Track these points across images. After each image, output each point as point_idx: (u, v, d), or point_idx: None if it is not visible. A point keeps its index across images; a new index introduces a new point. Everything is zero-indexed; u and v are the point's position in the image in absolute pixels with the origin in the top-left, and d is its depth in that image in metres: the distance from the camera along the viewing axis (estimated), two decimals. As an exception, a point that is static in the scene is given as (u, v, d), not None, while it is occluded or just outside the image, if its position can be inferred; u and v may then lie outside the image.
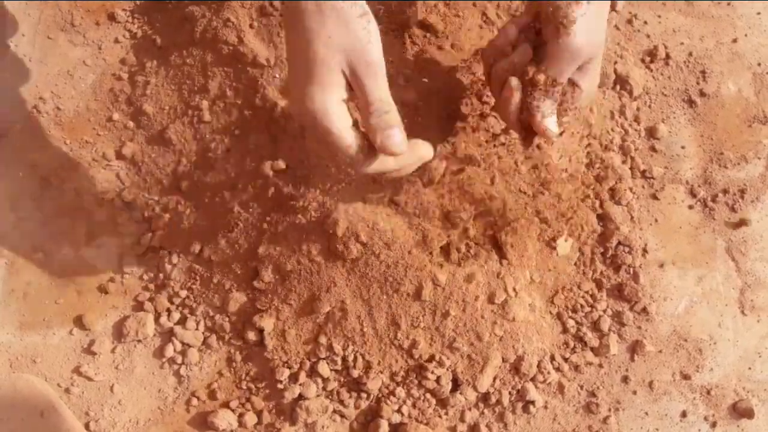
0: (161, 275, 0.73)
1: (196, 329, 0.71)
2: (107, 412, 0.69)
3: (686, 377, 0.73)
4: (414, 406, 0.69)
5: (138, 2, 0.82)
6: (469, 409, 0.70)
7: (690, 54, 0.82)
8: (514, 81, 0.58)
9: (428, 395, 0.69)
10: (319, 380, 0.69)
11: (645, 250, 0.76)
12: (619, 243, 0.74)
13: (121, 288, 0.73)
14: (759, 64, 0.83)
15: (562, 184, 0.71)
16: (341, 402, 0.69)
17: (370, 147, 0.53)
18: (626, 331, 0.74)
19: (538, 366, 0.70)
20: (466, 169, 0.68)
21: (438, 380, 0.68)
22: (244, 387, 0.70)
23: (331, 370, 0.68)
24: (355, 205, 0.66)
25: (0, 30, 0.80)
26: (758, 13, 0.85)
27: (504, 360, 0.69)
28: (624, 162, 0.78)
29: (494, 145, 0.69)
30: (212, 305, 0.71)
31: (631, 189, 0.76)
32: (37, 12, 0.81)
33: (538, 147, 0.68)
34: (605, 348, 0.72)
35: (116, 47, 0.81)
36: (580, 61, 0.58)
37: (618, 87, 0.79)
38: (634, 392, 0.72)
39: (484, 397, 0.70)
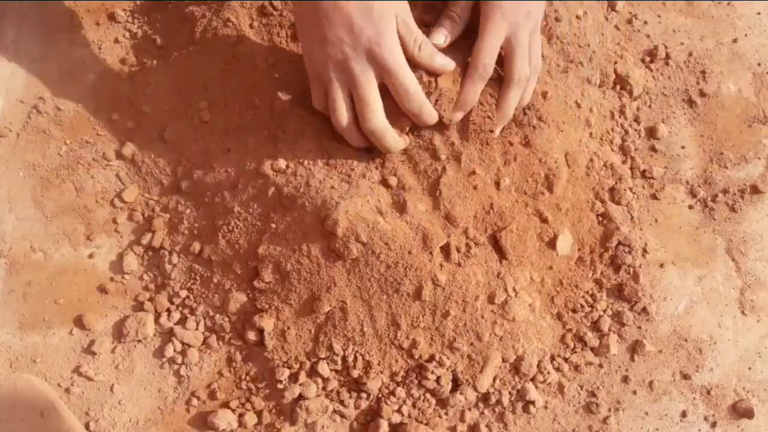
0: (161, 275, 0.73)
1: (196, 329, 0.71)
2: (107, 412, 0.69)
3: (686, 377, 0.73)
4: (414, 406, 0.69)
5: (138, 2, 0.82)
6: (469, 409, 0.70)
7: (690, 54, 0.82)
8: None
9: (428, 395, 0.69)
10: (319, 380, 0.69)
11: (645, 250, 0.76)
12: (619, 243, 0.74)
13: (121, 288, 0.73)
14: (759, 64, 0.83)
15: (562, 184, 0.71)
16: (341, 402, 0.69)
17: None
18: (626, 331, 0.74)
19: (538, 366, 0.70)
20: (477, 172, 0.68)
21: (438, 380, 0.68)
22: (244, 387, 0.70)
23: (331, 370, 0.68)
24: (355, 205, 0.66)
25: (0, 30, 0.79)
26: (758, 13, 0.85)
27: (504, 360, 0.69)
28: (624, 162, 0.78)
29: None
30: (212, 305, 0.71)
31: (631, 189, 0.76)
32: (37, 12, 0.81)
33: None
34: (605, 348, 0.72)
35: (116, 47, 0.81)
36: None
37: (618, 87, 0.80)
38: (634, 392, 0.72)
39: (484, 397, 0.70)
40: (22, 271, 0.73)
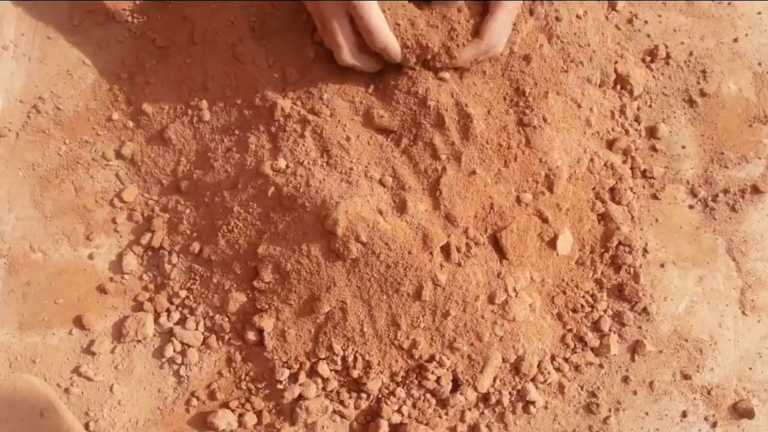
0: (161, 275, 0.73)
1: (196, 329, 0.71)
2: (107, 412, 0.69)
3: (687, 377, 0.73)
4: (414, 406, 0.69)
5: (138, 2, 0.82)
6: (469, 410, 0.70)
7: (690, 54, 0.82)
8: None
9: (428, 395, 0.69)
10: (319, 380, 0.69)
11: (645, 250, 0.76)
12: (620, 243, 0.74)
13: (121, 288, 0.73)
14: (759, 64, 0.83)
15: (562, 184, 0.71)
16: (341, 402, 0.69)
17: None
18: (626, 331, 0.74)
19: (539, 366, 0.70)
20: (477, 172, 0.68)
21: (438, 380, 0.68)
22: (244, 387, 0.70)
23: (331, 370, 0.68)
24: (355, 205, 0.66)
25: (0, 30, 0.79)
26: (759, 13, 0.85)
27: (504, 360, 0.69)
28: (624, 162, 0.78)
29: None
30: (212, 305, 0.71)
31: (631, 189, 0.76)
32: (37, 12, 0.81)
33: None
34: (605, 348, 0.72)
35: (116, 47, 0.81)
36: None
37: (618, 87, 0.79)
38: (635, 392, 0.72)
39: (484, 398, 0.70)
40: (22, 271, 0.73)
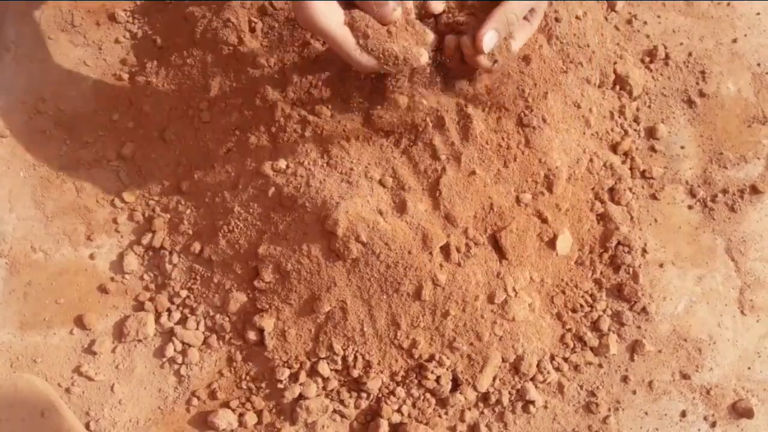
0: (161, 275, 0.73)
1: (197, 329, 0.71)
2: (107, 411, 0.69)
3: (686, 377, 0.73)
4: (414, 405, 0.69)
5: (138, 2, 0.82)
6: (469, 409, 0.70)
7: (690, 54, 0.82)
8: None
9: (428, 395, 0.69)
10: (320, 380, 0.69)
11: (645, 250, 0.76)
12: (619, 243, 0.74)
13: (122, 288, 0.73)
14: (759, 65, 0.83)
15: (561, 184, 0.71)
16: (341, 402, 0.69)
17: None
18: (626, 331, 0.74)
19: (538, 366, 0.70)
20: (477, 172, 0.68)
21: (438, 380, 0.68)
22: (245, 387, 0.70)
23: (331, 369, 0.69)
24: (355, 205, 0.66)
25: (0, 30, 0.80)
26: (758, 14, 0.85)
27: (504, 360, 0.69)
28: (624, 162, 0.78)
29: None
30: (212, 305, 0.71)
31: (630, 189, 0.77)
32: (37, 12, 0.81)
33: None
34: (605, 348, 0.72)
35: (116, 47, 0.81)
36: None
37: (617, 87, 0.80)
38: (634, 392, 0.72)
39: (484, 397, 0.70)
40: (23, 271, 0.73)
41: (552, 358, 0.72)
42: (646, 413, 0.72)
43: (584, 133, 0.76)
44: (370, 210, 0.66)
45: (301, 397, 0.69)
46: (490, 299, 0.68)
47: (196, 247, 0.72)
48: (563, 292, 0.73)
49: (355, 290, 0.67)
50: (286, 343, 0.69)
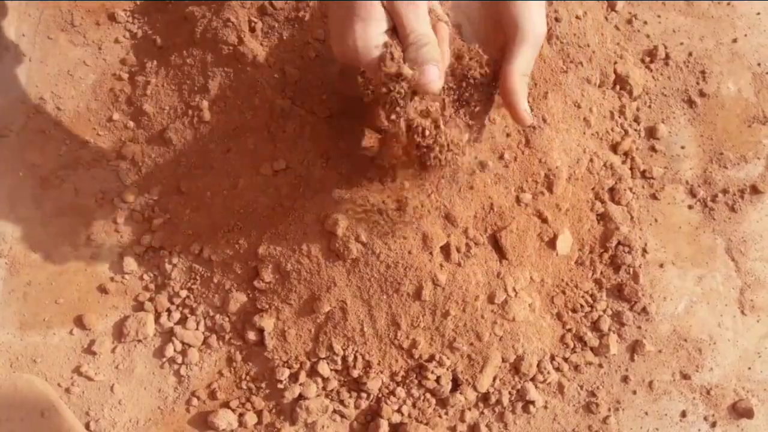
0: (161, 275, 0.73)
1: (196, 329, 0.71)
2: (107, 411, 0.69)
3: (686, 377, 0.73)
4: (414, 406, 0.69)
5: (138, 2, 0.82)
6: (469, 409, 0.70)
7: (690, 54, 0.82)
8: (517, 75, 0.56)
9: (428, 395, 0.69)
10: (319, 380, 0.69)
11: (645, 250, 0.76)
12: (619, 243, 0.74)
13: (122, 288, 0.73)
14: (759, 64, 0.83)
15: (562, 184, 0.71)
16: (341, 402, 0.69)
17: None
18: (626, 331, 0.74)
19: (538, 366, 0.70)
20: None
21: (438, 380, 0.68)
22: (245, 387, 0.70)
23: (331, 370, 0.68)
24: (356, 204, 0.66)
25: (0, 30, 0.80)
26: (758, 14, 0.85)
27: (504, 360, 0.69)
28: (624, 162, 0.78)
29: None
30: (212, 305, 0.71)
31: (631, 189, 0.77)
32: (37, 12, 0.81)
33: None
34: (605, 348, 0.72)
35: (116, 47, 0.81)
36: (540, 46, 0.58)
37: (618, 87, 0.80)
38: (634, 392, 0.72)
39: (484, 397, 0.70)
40: (23, 271, 0.73)
41: (552, 358, 0.72)
42: (646, 413, 0.72)
43: (584, 133, 0.76)
44: (370, 210, 0.66)
45: (301, 397, 0.68)
46: (490, 299, 0.68)
47: (196, 247, 0.72)
48: (563, 292, 0.73)
49: (355, 290, 0.67)
50: (286, 343, 0.69)
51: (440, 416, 0.70)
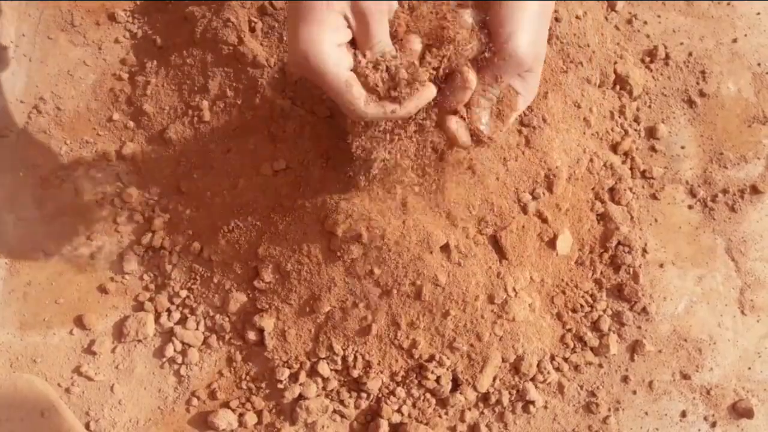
0: (161, 275, 0.73)
1: (197, 329, 0.71)
2: (107, 411, 0.69)
3: (686, 377, 0.73)
4: (414, 406, 0.69)
5: (138, 2, 0.82)
6: (469, 409, 0.70)
7: (690, 54, 0.82)
8: (471, 74, 0.54)
9: (428, 395, 0.69)
10: (319, 380, 0.69)
11: (645, 250, 0.76)
12: (619, 243, 0.74)
13: (122, 288, 0.73)
14: (759, 64, 0.83)
15: (562, 184, 0.71)
16: (341, 402, 0.69)
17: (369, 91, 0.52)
18: (626, 331, 0.74)
19: (538, 366, 0.70)
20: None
21: (438, 380, 0.68)
22: (245, 387, 0.70)
23: (331, 369, 0.68)
24: (355, 205, 0.66)
25: (0, 30, 0.79)
26: (758, 14, 0.85)
27: (504, 360, 0.69)
28: (624, 162, 0.78)
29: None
30: (212, 305, 0.71)
31: (631, 189, 0.77)
32: (37, 12, 0.81)
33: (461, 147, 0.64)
34: (605, 348, 0.72)
35: (116, 47, 0.81)
36: (521, 70, 0.55)
37: (618, 87, 0.79)
38: (634, 392, 0.72)
39: (484, 397, 0.70)
40: (23, 271, 0.73)
41: (552, 358, 0.72)
42: (646, 413, 0.72)
43: (584, 133, 0.76)
44: (370, 210, 0.66)
45: (301, 397, 0.68)
46: (490, 299, 0.68)
47: (196, 247, 0.72)
48: (563, 292, 0.73)
49: (355, 290, 0.67)
50: (286, 343, 0.69)
51: (440, 416, 0.70)
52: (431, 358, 0.68)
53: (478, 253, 0.68)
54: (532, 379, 0.70)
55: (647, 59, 0.82)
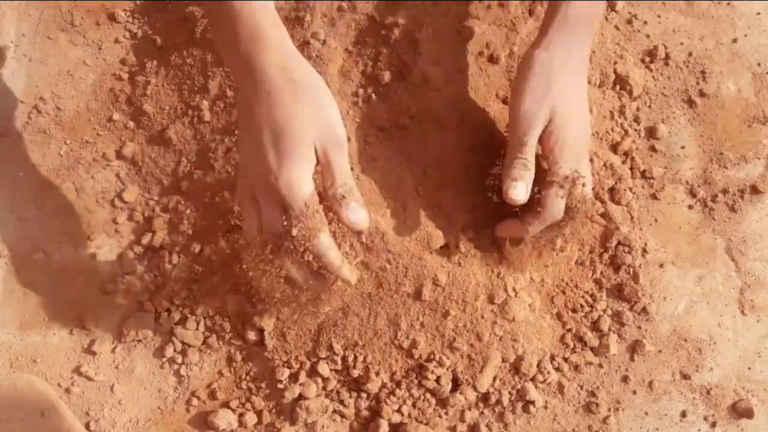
0: (161, 275, 0.73)
1: (196, 329, 0.71)
2: (107, 411, 0.69)
3: (686, 377, 0.73)
4: (414, 406, 0.69)
5: (138, 2, 0.82)
6: (469, 409, 0.70)
7: (690, 54, 0.82)
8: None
9: (428, 395, 0.69)
10: (319, 380, 0.69)
11: (645, 250, 0.76)
12: (619, 243, 0.74)
13: (122, 288, 0.73)
14: (759, 64, 0.83)
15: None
16: (341, 402, 0.69)
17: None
18: (626, 331, 0.74)
19: (538, 366, 0.70)
20: None
21: (438, 380, 0.68)
22: (244, 387, 0.70)
23: (331, 370, 0.68)
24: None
25: (0, 30, 0.80)
26: (758, 14, 0.85)
27: (504, 360, 0.69)
28: (624, 162, 0.78)
29: None
30: (212, 305, 0.71)
31: (630, 189, 0.77)
32: (37, 12, 0.81)
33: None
34: (605, 348, 0.72)
35: (116, 47, 0.81)
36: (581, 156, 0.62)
37: (618, 87, 0.79)
38: (634, 392, 0.72)
39: (484, 397, 0.70)
40: (23, 271, 0.73)
41: (552, 358, 0.72)
42: (646, 413, 0.72)
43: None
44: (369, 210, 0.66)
45: (301, 397, 0.68)
46: (490, 299, 0.68)
47: (196, 247, 0.72)
48: (563, 292, 0.73)
49: (355, 290, 0.67)
50: (286, 343, 0.69)
51: (440, 416, 0.70)
52: (431, 358, 0.68)
53: (478, 253, 0.68)
54: (532, 379, 0.70)
55: (647, 59, 0.82)
